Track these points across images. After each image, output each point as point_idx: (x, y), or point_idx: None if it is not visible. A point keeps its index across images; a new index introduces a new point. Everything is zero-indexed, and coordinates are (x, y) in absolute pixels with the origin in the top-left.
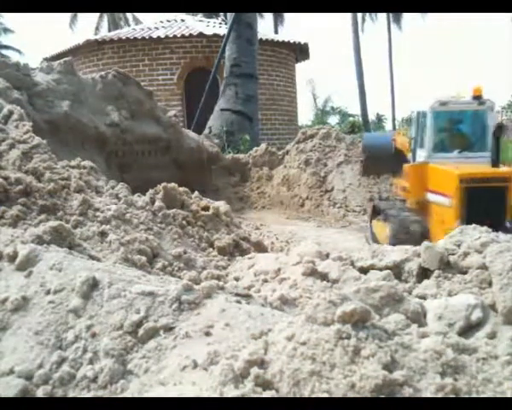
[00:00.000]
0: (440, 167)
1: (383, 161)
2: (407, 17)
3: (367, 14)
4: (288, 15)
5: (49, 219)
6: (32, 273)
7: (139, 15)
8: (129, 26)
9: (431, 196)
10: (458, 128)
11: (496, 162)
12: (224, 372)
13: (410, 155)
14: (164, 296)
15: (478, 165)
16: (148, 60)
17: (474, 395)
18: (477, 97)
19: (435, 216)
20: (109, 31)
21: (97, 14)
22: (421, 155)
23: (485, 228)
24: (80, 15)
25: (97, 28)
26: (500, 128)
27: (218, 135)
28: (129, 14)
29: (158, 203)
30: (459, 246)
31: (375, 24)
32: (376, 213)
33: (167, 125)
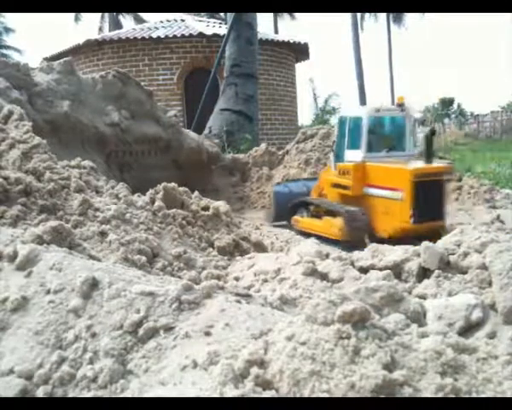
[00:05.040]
0: (390, 165)
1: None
2: (407, 17)
3: (367, 13)
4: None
5: (49, 219)
6: (31, 273)
7: (142, 14)
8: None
9: (374, 191)
10: (386, 131)
11: (429, 160)
12: (224, 372)
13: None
14: (164, 296)
15: (417, 162)
16: (148, 60)
17: (474, 395)
18: (400, 105)
19: (379, 208)
20: (109, 31)
21: (100, 15)
22: (353, 155)
23: (485, 228)
24: (84, 16)
25: (101, 29)
26: (433, 132)
27: (218, 135)
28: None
29: (158, 203)
30: (459, 246)
31: (376, 23)
32: (305, 210)
33: (167, 125)
